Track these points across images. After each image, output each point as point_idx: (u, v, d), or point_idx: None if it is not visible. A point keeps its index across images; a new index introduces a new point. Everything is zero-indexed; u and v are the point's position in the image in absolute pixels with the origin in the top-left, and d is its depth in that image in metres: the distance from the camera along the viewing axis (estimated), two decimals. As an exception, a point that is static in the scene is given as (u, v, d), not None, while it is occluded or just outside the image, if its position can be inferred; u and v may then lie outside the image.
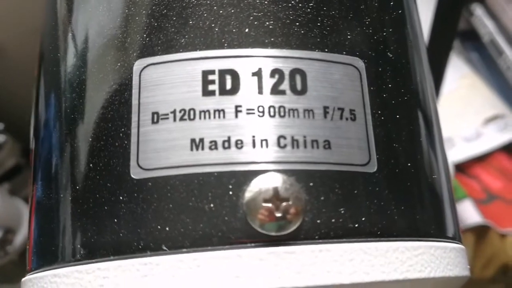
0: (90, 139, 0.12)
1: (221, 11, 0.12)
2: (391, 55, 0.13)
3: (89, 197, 0.12)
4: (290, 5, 0.13)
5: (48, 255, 0.13)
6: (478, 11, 0.50)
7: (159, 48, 0.12)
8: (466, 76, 0.48)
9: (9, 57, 0.40)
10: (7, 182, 0.41)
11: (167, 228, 0.11)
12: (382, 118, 0.13)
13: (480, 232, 0.39)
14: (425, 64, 0.15)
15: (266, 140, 0.12)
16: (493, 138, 0.44)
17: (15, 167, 0.43)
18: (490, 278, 0.39)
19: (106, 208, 0.12)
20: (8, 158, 0.42)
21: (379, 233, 0.12)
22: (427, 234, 0.13)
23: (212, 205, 0.11)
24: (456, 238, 0.14)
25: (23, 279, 0.14)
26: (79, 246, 0.12)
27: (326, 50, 0.12)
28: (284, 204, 0.11)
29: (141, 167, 0.12)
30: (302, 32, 0.12)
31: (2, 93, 0.41)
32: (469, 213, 0.40)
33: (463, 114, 0.46)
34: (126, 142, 0.12)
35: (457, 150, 0.43)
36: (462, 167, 0.43)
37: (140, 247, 0.11)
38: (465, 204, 0.41)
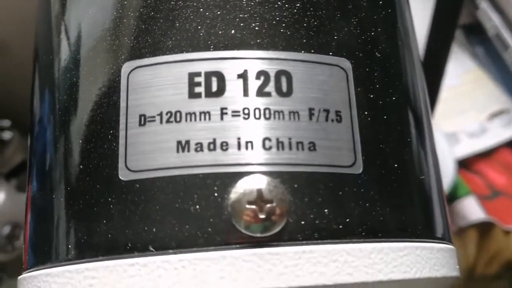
0: (81, 141, 0.13)
1: (207, 13, 0.12)
2: (379, 55, 0.13)
3: (79, 198, 0.12)
4: (276, 6, 0.13)
5: (42, 254, 0.13)
6: (483, 4, 0.49)
7: (146, 50, 0.12)
8: (471, 71, 0.48)
9: (14, 54, 0.40)
10: (15, 178, 0.42)
11: (154, 229, 0.11)
12: (369, 119, 0.13)
13: (484, 228, 0.39)
14: (416, 63, 0.15)
15: (251, 142, 0.12)
16: (498, 134, 0.44)
17: (22, 163, 0.43)
18: (494, 275, 0.39)
19: (95, 209, 0.12)
20: (15, 155, 0.43)
21: (363, 234, 0.12)
22: (414, 234, 0.13)
23: (197, 207, 0.11)
24: (445, 239, 0.14)
25: (19, 277, 0.14)
26: (70, 246, 0.12)
27: (312, 51, 0.12)
28: (268, 205, 0.11)
29: (129, 169, 0.12)
30: (288, 33, 0.12)
31: (9, 90, 0.42)
32: (472, 209, 0.40)
33: (468, 109, 0.45)
34: (114, 144, 0.12)
35: (461, 146, 0.43)
36: (466, 163, 0.43)
37: (128, 247, 0.11)
38: (469, 200, 0.41)
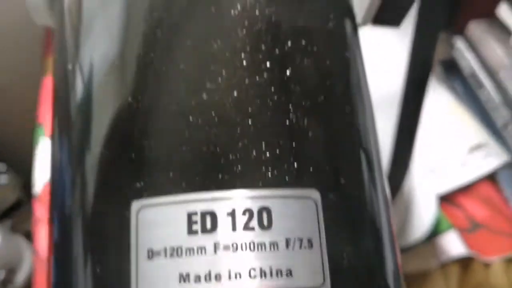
0: (96, 275, 0.15)
1: (201, 159, 0.15)
2: (343, 181, 0.16)
3: None
4: (257, 149, 0.15)
5: None
6: (459, 43, 0.50)
7: (152, 191, 0.15)
8: (450, 106, 0.48)
9: (10, 98, 0.42)
10: (8, 219, 0.42)
11: None
12: (336, 240, 0.15)
13: (465, 262, 0.40)
14: (377, 173, 0.18)
15: (239, 273, 0.14)
16: (477, 167, 0.44)
17: (16, 202, 0.43)
18: (476, 308, 0.40)
19: None
20: (9, 196, 0.43)
21: None
22: None
23: None
24: None
25: None
26: None
27: (287, 186, 0.15)
28: None
29: None
30: (269, 172, 0.15)
31: (5, 130, 0.43)
32: (453, 244, 0.41)
33: (447, 143, 0.46)
34: (126, 276, 0.14)
35: (442, 180, 0.44)
36: (447, 197, 0.44)
37: None
38: (450, 235, 0.42)
